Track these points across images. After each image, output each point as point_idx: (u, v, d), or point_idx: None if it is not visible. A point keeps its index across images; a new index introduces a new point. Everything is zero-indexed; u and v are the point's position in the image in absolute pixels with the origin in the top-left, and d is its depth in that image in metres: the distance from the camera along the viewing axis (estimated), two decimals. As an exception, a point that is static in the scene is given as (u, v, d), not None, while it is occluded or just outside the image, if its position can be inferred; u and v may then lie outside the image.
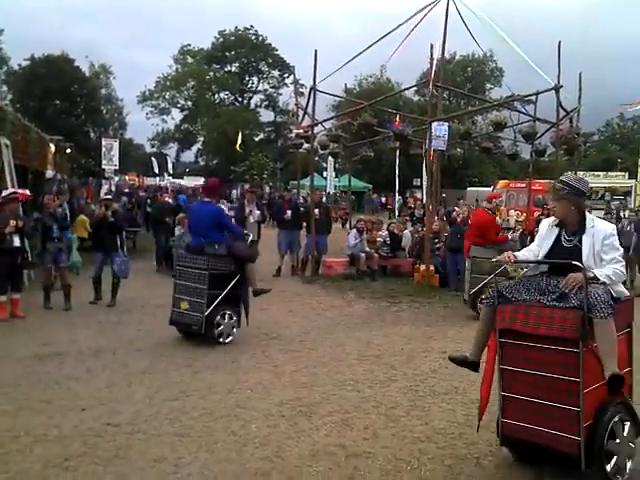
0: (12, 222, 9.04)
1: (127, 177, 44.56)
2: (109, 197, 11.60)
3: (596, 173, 49.95)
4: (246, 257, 8.11)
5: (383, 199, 41.32)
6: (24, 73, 47.58)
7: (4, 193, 9.78)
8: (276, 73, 67.52)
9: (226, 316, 7.85)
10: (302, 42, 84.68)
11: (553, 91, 12.48)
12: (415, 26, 13.68)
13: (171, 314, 8.11)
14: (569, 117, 13.20)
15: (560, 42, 12.44)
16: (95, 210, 10.96)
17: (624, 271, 4.26)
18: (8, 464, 4.34)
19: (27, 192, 10.57)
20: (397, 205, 30.23)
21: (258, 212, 12.52)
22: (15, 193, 9.96)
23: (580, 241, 4.24)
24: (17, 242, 9.17)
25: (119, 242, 10.50)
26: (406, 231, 15.06)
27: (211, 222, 8.01)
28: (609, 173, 50.63)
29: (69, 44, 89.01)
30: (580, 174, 25.87)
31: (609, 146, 66.57)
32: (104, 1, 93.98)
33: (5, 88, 45.62)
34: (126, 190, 34.87)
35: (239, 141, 29.67)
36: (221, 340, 7.78)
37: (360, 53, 14.33)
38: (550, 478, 4.26)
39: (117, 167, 27.73)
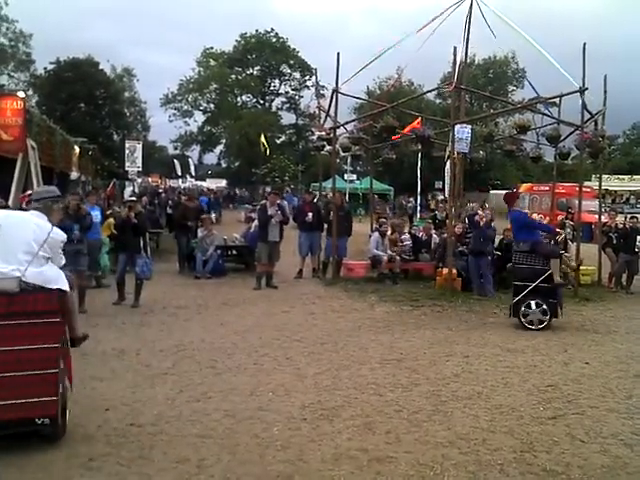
0: None
1: (150, 179, 45.00)
2: (133, 199, 11.68)
3: (621, 176, 49.43)
4: (549, 253, 9.41)
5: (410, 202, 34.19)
6: (50, 77, 48.23)
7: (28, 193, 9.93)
8: (297, 75, 67.80)
9: (533, 305, 9.12)
10: (319, 41, 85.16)
11: (577, 93, 12.35)
12: (437, 27, 13.64)
13: None
14: (594, 120, 13.04)
15: (585, 44, 12.30)
16: (118, 211, 11.04)
17: None
18: (33, 463, 4.39)
19: None
20: (418, 208, 30.06)
21: (279, 213, 12.56)
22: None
23: None
24: None
25: (142, 244, 10.57)
26: (434, 234, 14.94)
27: (519, 225, 9.66)
28: (634, 176, 50.02)
29: (86, 45, 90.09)
30: (605, 177, 25.55)
31: (634, 149, 65.69)
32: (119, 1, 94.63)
33: (31, 92, 46.23)
34: (160, 190, 35.16)
35: (265, 145, 29.77)
36: (530, 327, 9.07)
37: (380, 55, 14.33)
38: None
39: (140, 169, 28.00)
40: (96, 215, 11.40)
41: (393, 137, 15.24)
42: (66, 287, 4.77)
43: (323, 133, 14.76)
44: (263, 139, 29.38)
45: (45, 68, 49.44)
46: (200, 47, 65.45)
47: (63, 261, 5.00)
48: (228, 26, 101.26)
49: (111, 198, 21.21)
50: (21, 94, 12.36)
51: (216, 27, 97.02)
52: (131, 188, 20.69)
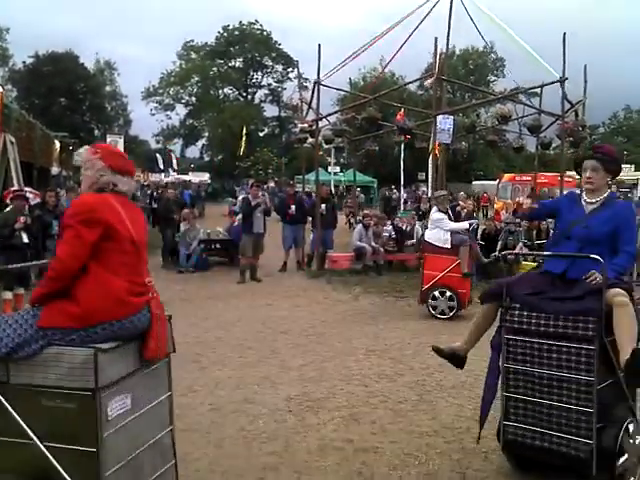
0: (22, 218, 9.07)
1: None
2: None
3: (602, 165, 49.74)
4: None
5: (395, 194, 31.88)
6: (28, 71, 47.62)
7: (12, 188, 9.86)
8: (280, 68, 67.51)
9: None
10: (298, 29, 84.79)
11: (558, 83, 12.43)
12: (420, 22, 13.67)
13: None
14: (574, 109, 13.13)
15: (565, 34, 12.40)
16: None
17: None
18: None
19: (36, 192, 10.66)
20: (402, 199, 30.08)
21: (266, 200, 12.61)
22: (21, 190, 10.02)
23: None
24: (26, 239, 9.21)
25: None
26: (417, 225, 15.01)
27: None
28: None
29: (62, 37, 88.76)
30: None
31: (615, 138, 66.24)
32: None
33: (10, 86, 45.60)
34: (144, 184, 34.67)
35: (242, 145, 29.30)
36: None
37: (363, 47, 14.33)
38: (555, 473, 4.26)
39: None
40: None
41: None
42: (438, 243, 9.32)
43: (306, 125, 14.73)
44: (243, 141, 28.80)
45: (24, 62, 48.86)
46: (180, 38, 65.03)
47: (448, 227, 9.34)
48: (207, 15, 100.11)
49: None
50: (-2, 88, 12.17)
51: (195, 16, 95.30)
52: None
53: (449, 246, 9.34)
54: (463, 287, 9.37)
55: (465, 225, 9.81)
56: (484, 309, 4.34)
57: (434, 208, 9.88)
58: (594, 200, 4.08)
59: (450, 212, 12.77)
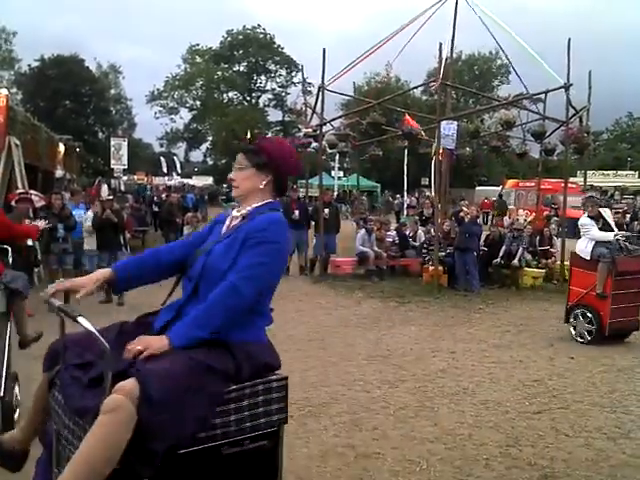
0: (27, 222, 9.09)
1: (136, 176, 44.73)
2: (110, 198, 11.60)
3: (606, 172, 49.81)
4: None
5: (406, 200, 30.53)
6: (34, 74, 47.80)
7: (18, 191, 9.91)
8: (284, 72, 67.66)
9: None
10: (302, 33, 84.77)
11: (562, 89, 12.42)
12: (424, 22, 13.70)
13: None
14: (579, 116, 13.12)
15: (570, 40, 12.37)
16: (97, 211, 10.93)
17: None
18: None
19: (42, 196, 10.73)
20: (405, 205, 30.05)
21: None
22: (27, 194, 10.05)
23: None
24: (29, 241, 9.23)
25: (123, 240, 10.54)
26: (420, 231, 15.00)
27: None
28: (619, 172, 50.44)
29: (67, 41, 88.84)
30: (590, 173, 25.65)
31: (619, 145, 66.17)
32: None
33: (15, 89, 45.77)
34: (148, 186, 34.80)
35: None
36: None
37: (368, 52, 14.34)
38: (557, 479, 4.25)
39: (126, 166, 27.81)
40: (80, 214, 11.33)
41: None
42: (581, 254, 8.42)
43: (309, 130, 14.75)
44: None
45: (29, 65, 49.04)
46: (185, 42, 65.25)
47: (589, 235, 8.25)
48: (211, 20, 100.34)
49: (97, 196, 21.01)
50: (4, 91, 12.19)
51: (200, 20, 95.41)
52: (105, 186, 20.21)
53: (588, 257, 8.28)
54: (603, 309, 8.23)
55: (609, 236, 8.26)
56: (43, 379, 2.75)
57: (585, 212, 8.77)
58: (239, 214, 2.81)
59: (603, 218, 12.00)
